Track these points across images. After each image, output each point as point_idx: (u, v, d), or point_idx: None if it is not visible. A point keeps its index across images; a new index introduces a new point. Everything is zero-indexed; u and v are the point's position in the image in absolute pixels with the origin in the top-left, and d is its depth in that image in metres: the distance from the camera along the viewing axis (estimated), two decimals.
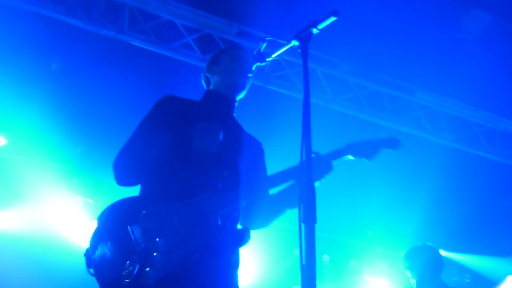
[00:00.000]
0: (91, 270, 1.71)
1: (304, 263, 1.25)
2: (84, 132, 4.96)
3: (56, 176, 5.15)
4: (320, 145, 2.27)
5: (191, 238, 1.76)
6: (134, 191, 2.00)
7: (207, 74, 2.30)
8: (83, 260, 1.74)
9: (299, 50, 1.65)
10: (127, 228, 1.73)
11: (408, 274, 3.53)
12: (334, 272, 6.84)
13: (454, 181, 5.11)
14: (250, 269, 6.00)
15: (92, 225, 1.82)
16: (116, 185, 1.99)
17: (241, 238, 1.89)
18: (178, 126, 1.98)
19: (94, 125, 4.86)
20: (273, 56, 2.02)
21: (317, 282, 1.24)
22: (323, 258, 6.57)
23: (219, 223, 1.82)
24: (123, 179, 1.97)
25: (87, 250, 1.75)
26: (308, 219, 1.30)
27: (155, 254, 1.69)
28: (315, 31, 1.65)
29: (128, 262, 1.67)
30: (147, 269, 1.66)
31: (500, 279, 6.70)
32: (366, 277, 6.88)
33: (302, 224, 1.31)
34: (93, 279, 1.73)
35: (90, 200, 5.49)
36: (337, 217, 6.12)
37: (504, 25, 4.38)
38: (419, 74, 4.71)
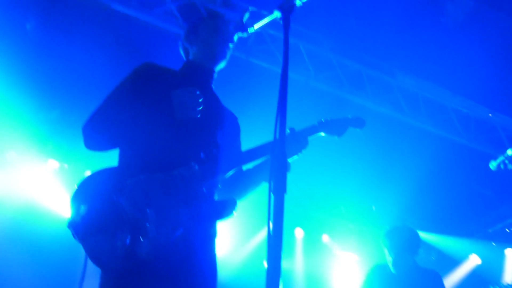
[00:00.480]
0: (79, 241, 1.70)
1: (271, 233, 1.27)
2: (60, 96, 4.83)
3: (30, 140, 5.04)
4: (298, 121, 2.29)
5: (178, 209, 1.76)
6: (113, 156, 1.96)
7: (185, 44, 2.23)
8: (57, 226, 1.73)
9: (281, 22, 1.62)
10: (114, 198, 1.72)
11: (386, 251, 3.62)
12: (307, 246, 7.02)
13: (427, 163, 5.22)
14: (224, 241, 6.09)
15: (70, 194, 1.79)
16: (93, 151, 1.96)
17: (226, 209, 1.89)
18: (157, 92, 1.94)
19: (71, 88, 4.74)
20: (255, 27, 1.98)
21: (282, 252, 1.27)
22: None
23: (205, 192, 1.83)
24: (91, 143, 1.94)
25: (72, 222, 1.72)
26: (278, 189, 1.31)
27: (147, 224, 1.68)
28: (298, 3, 1.62)
29: (119, 232, 1.67)
30: (140, 239, 1.66)
31: (463, 258, 7.01)
32: (337, 251, 7.08)
33: (271, 194, 1.33)
34: (66, 244, 1.72)
35: (66, 165, 5.42)
36: (312, 193, 6.23)
37: (486, 11, 4.41)
38: (401, 57, 4.73)
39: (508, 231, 6.72)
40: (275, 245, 1.28)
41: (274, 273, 1.29)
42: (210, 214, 1.88)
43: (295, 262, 6.94)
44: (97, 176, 1.83)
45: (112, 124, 1.89)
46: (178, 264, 1.76)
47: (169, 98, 1.91)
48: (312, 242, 7.03)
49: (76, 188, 1.80)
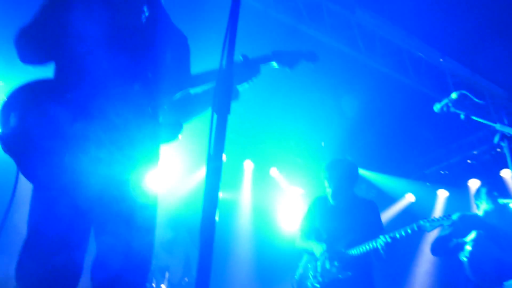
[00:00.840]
0: (11, 155, 1.59)
1: (211, 152, 1.25)
2: None
3: None
4: (252, 49, 2.22)
5: (120, 127, 1.69)
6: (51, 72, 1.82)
7: None
8: None
9: None
10: (51, 111, 1.61)
11: (326, 183, 3.73)
12: (255, 178, 7.18)
13: (375, 102, 5.34)
14: (169, 173, 6.08)
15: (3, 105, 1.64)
16: (28, 64, 1.79)
17: (171, 131, 1.86)
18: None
19: None
20: None
21: (221, 172, 1.25)
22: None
23: (150, 112, 1.78)
24: (25, 55, 1.77)
25: (2, 135, 1.60)
26: (221, 109, 1.28)
27: (87, 140, 1.61)
28: None
29: (57, 146, 1.58)
30: (79, 155, 1.59)
31: (400, 196, 7.49)
32: (284, 185, 7.32)
33: (214, 114, 1.29)
34: None
35: (1, 83, 5.06)
36: (263, 126, 6.27)
37: None
38: None
39: (442, 173, 7.18)
40: (215, 167, 1.26)
41: (212, 194, 1.27)
42: (154, 135, 1.82)
43: (243, 194, 7.13)
44: (29, 87, 1.68)
45: (47, 34, 1.73)
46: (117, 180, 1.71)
47: (111, 4, 1.75)
48: (261, 175, 7.20)
49: (6, 99, 1.66)
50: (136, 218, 1.68)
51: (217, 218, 1.23)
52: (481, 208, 4.06)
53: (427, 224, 3.14)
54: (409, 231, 3.12)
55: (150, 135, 1.80)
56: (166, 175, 6.03)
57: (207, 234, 1.20)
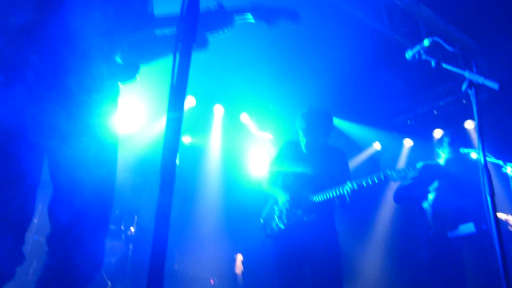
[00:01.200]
0: None
1: (174, 83, 1.18)
2: None
3: None
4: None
5: (76, 64, 1.59)
6: None
7: None
8: None
9: None
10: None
11: (301, 132, 3.71)
12: (225, 123, 7.14)
13: (348, 51, 5.28)
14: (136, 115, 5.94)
15: None
16: None
17: (128, 71, 1.79)
18: None
19: None
20: None
21: (184, 104, 1.19)
22: None
23: (106, 51, 1.70)
24: None
25: None
26: (186, 38, 1.19)
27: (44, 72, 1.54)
28: None
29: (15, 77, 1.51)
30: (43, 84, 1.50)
31: (368, 145, 7.66)
32: (254, 130, 7.32)
33: (179, 43, 1.21)
34: None
35: None
36: (235, 71, 6.13)
37: None
38: None
39: (409, 122, 7.33)
40: (177, 97, 1.19)
41: (173, 128, 1.21)
42: (111, 74, 1.75)
43: (212, 139, 7.10)
44: None
45: None
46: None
47: None
48: (231, 120, 7.15)
49: None
50: (95, 155, 1.62)
51: (177, 161, 1.18)
52: (442, 156, 4.17)
53: (394, 174, 3.20)
54: (375, 179, 3.18)
55: (105, 73, 1.72)
56: (134, 118, 5.90)
57: (167, 176, 1.16)
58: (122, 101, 1.88)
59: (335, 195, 3.32)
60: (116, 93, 1.86)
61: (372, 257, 6.66)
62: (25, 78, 1.52)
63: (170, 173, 1.15)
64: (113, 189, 1.72)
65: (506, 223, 3.91)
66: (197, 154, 6.99)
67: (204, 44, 1.87)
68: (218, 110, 7.04)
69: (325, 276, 3.23)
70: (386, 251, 6.64)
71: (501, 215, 3.94)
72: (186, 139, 7.03)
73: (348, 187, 3.24)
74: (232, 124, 7.16)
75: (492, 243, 1.83)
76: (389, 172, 3.21)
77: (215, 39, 1.95)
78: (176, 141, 1.18)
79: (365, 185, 3.20)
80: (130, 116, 5.82)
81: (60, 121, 1.56)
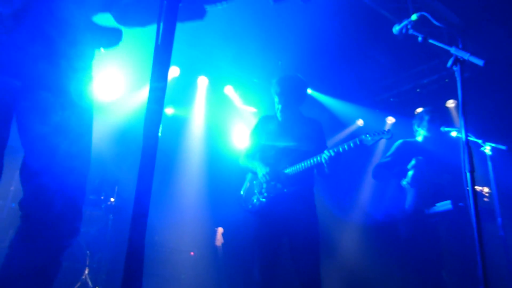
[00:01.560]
0: None
1: (159, 42, 1.13)
2: None
3: None
4: None
5: (54, 31, 1.53)
6: None
7: None
8: None
9: None
10: None
11: (276, 98, 3.70)
12: (209, 95, 7.05)
13: (334, 26, 5.21)
14: (119, 82, 5.81)
15: None
16: None
17: (110, 36, 1.74)
18: None
19: None
20: None
21: (171, 60, 1.15)
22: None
23: (85, 19, 1.65)
24: None
25: None
26: None
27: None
28: None
29: None
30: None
31: (351, 122, 7.69)
32: (238, 103, 7.25)
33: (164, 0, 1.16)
34: None
35: None
36: (220, 43, 6.01)
37: None
38: None
39: (392, 100, 7.37)
40: (164, 55, 1.15)
41: (157, 95, 1.17)
42: (93, 40, 1.68)
43: (195, 111, 7.02)
44: None
45: None
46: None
47: None
48: (215, 92, 7.07)
49: None
50: (69, 117, 1.56)
51: (159, 133, 1.15)
52: (421, 134, 4.21)
53: (369, 138, 3.23)
54: (351, 145, 3.19)
55: (88, 39, 1.65)
56: (115, 85, 5.77)
57: (149, 148, 1.13)
58: (103, 68, 1.83)
59: (313, 163, 3.33)
60: (91, 57, 1.80)
61: (350, 234, 6.79)
62: None
63: (152, 144, 1.12)
64: (88, 153, 1.67)
65: (481, 194, 4.02)
66: (179, 125, 6.91)
67: (201, 14, 1.82)
68: (202, 82, 6.94)
69: (303, 247, 3.26)
70: (364, 228, 6.77)
71: (476, 188, 4.03)
72: (168, 110, 6.94)
73: (325, 155, 3.25)
74: (216, 97, 7.08)
75: (468, 220, 1.86)
76: (363, 137, 3.24)
77: (210, 9, 1.89)
78: (159, 112, 1.15)
79: (341, 151, 3.21)
80: (111, 83, 5.69)
81: (32, 77, 1.51)
